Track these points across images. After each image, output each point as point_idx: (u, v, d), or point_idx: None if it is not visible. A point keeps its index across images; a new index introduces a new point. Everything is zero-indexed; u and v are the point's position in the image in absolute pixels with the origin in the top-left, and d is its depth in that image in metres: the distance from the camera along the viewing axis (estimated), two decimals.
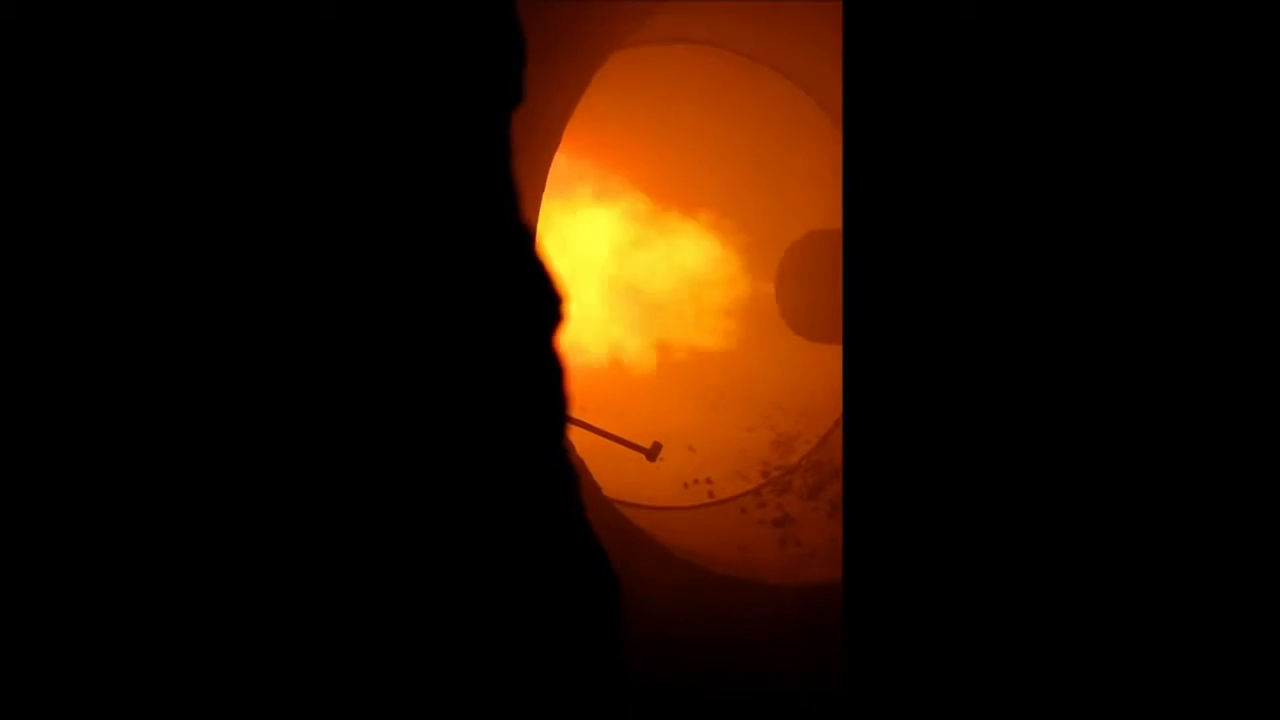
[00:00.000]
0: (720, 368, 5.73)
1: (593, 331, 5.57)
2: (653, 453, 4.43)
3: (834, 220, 5.13)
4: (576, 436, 3.35)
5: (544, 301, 3.13)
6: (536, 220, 3.39)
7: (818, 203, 5.41)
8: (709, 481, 4.99)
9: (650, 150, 5.68)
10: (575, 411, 4.16)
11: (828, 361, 5.14)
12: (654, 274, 5.68)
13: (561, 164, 4.32)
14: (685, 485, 4.92)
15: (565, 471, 2.93)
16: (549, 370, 3.04)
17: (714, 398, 5.76)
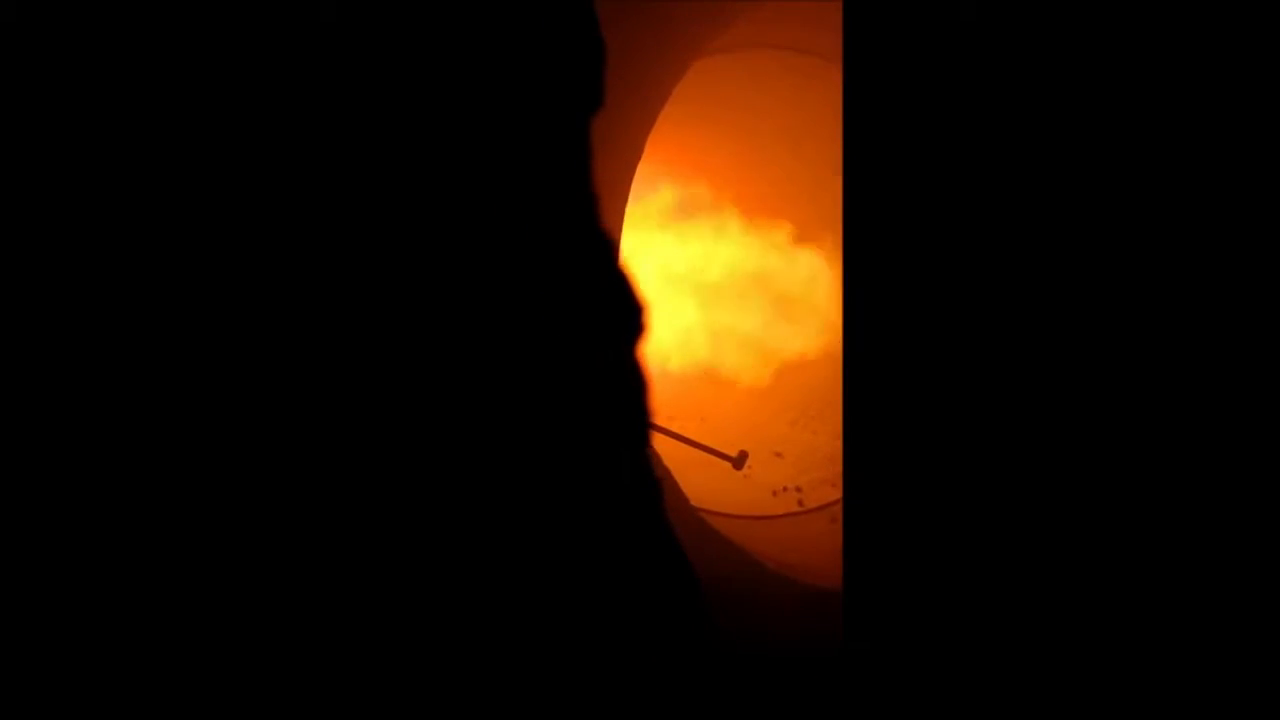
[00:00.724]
0: (808, 376, 5.64)
1: (680, 340, 5.52)
2: (739, 461, 4.36)
3: None
4: (663, 445, 3.31)
5: (626, 311, 3.13)
6: (620, 229, 3.37)
7: None
8: (798, 490, 4.89)
9: (737, 158, 5.62)
10: (662, 420, 4.12)
11: None
12: (741, 283, 5.62)
13: (646, 173, 4.30)
14: (774, 494, 4.83)
15: (650, 480, 2.92)
16: (631, 379, 3.02)
17: (802, 406, 5.67)
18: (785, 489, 4.90)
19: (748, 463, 4.58)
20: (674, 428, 4.14)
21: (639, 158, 3.60)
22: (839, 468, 5.19)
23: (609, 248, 3.01)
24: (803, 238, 5.60)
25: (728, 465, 4.39)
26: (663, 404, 5.12)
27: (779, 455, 5.36)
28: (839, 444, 5.30)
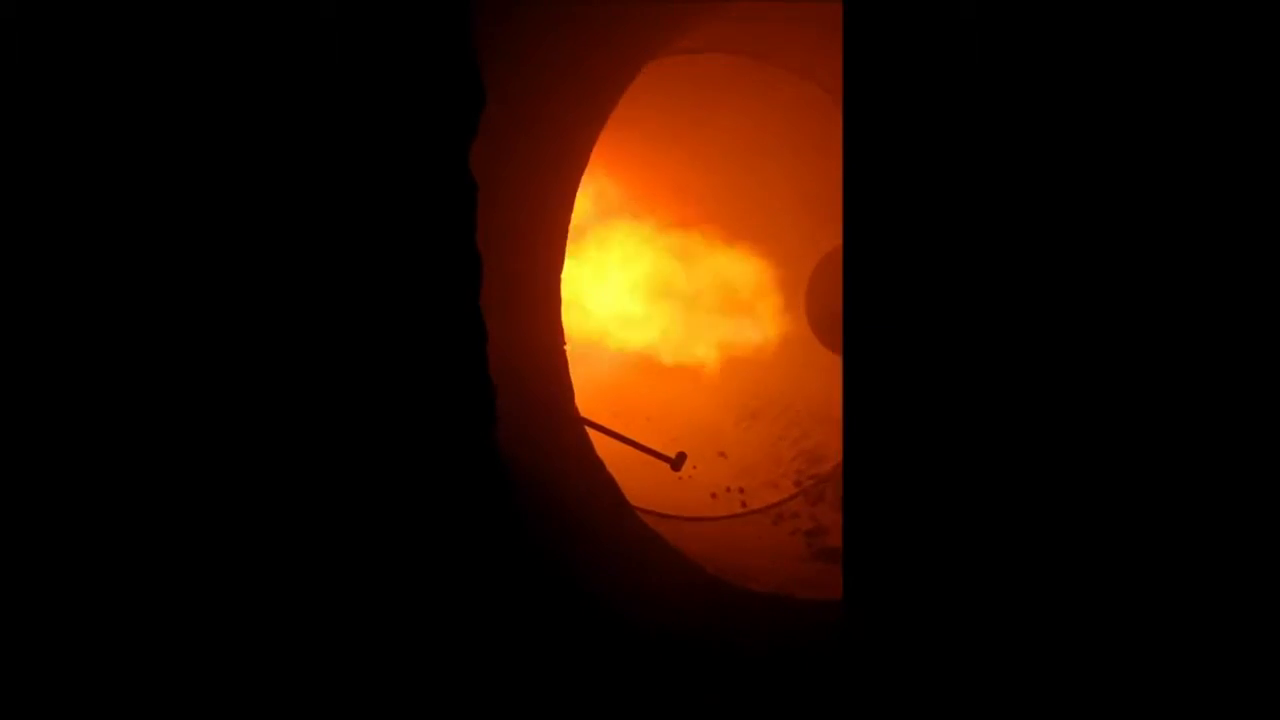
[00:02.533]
0: (753, 378, 5.57)
1: (625, 341, 5.44)
2: (678, 463, 4.26)
3: None
4: (603, 446, 3.20)
5: (552, 306, 3.00)
6: (566, 229, 3.26)
7: None
8: (741, 491, 4.80)
9: (686, 160, 5.53)
10: (604, 420, 4.01)
11: None
12: (687, 284, 5.54)
13: (596, 173, 4.21)
14: (714, 495, 4.74)
15: (589, 480, 2.83)
16: (564, 381, 2.93)
17: (748, 407, 5.61)
18: (728, 490, 4.80)
19: (687, 464, 4.49)
20: (616, 428, 4.03)
21: (589, 154, 3.49)
22: (783, 469, 5.15)
23: (554, 247, 2.94)
24: (749, 241, 5.54)
25: (668, 465, 4.30)
26: (606, 404, 5.02)
27: (723, 456, 5.28)
28: (783, 445, 5.28)
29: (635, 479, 4.00)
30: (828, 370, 5.25)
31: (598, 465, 3.00)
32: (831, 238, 5.11)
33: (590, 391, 4.93)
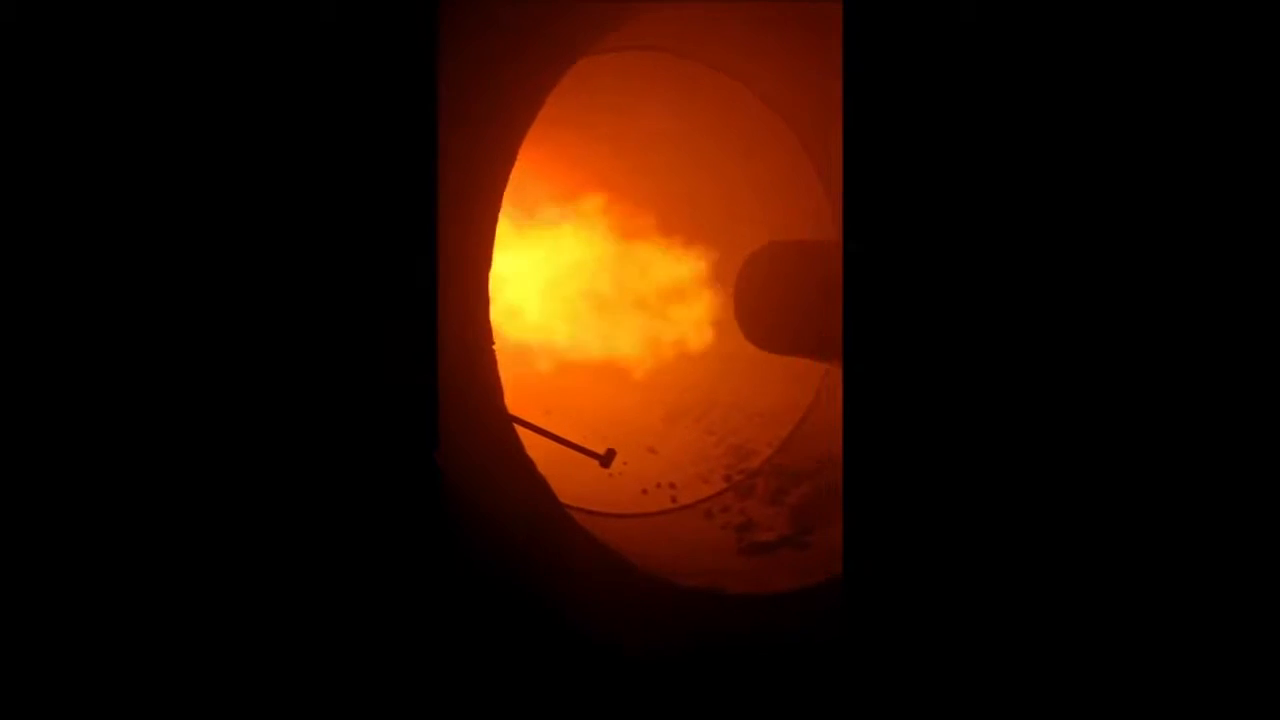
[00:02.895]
0: (681, 375, 5.58)
1: (550, 338, 5.40)
2: (607, 459, 4.24)
3: (792, 231, 5.02)
4: (530, 442, 3.17)
5: (481, 309, 2.97)
6: (494, 227, 3.23)
7: (777, 213, 5.26)
8: (672, 486, 4.80)
9: (612, 158, 5.51)
10: (532, 416, 3.98)
11: (787, 366, 4.99)
12: (614, 280, 5.53)
13: (523, 170, 4.15)
14: (645, 491, 4.74)
15: (520, 480, 2.80)
16: (493, 381, 2.90)
17: (676, 404, 5.61)
18: (658, 485, 4.79)
19: (616, 459, 4.47)
20: (546, 423, 3.99)
21: (516, 152, 3.45)
22: (712, 464, 5.16)
23: (479, 245, 2.90)
24: (676, 238, 5.54)
25: (598, 462, 4.27)
26: (534, 400, 4.97)
27: (652, 451, 5.27)
28: (712, 441, 5.29)
29: (566, 477, 3.97)
30: (756, 366, 5.28)
31: (528, 465, 2.96)
32: (758, 236, 5.14)
33: (519, 390, 4.88)
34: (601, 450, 4.17)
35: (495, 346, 2.95)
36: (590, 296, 5.52)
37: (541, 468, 3.08)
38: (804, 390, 5.08)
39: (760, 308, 4.98)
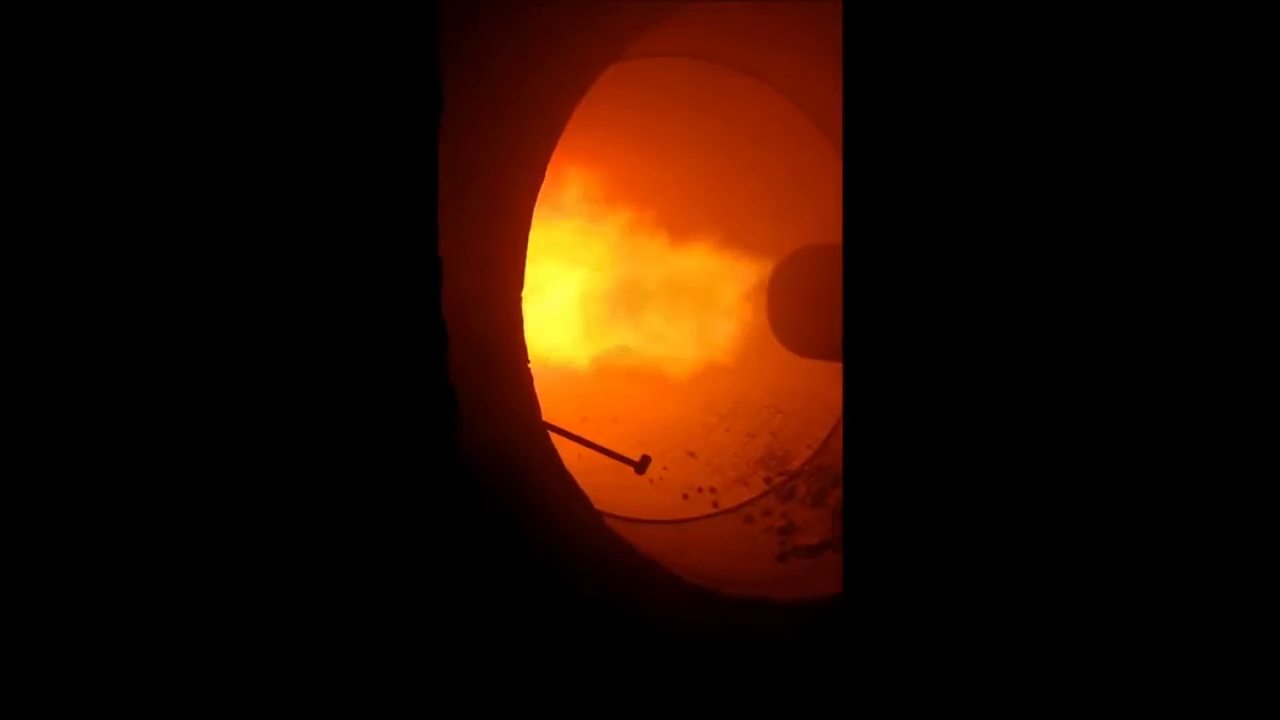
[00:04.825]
0: (718, 377, 5.48)
1: (585, 344, 5.33)
2: (642, 466, 4.15)
3: (825, 234, 4.91)
4: (565, 449, 3.09)
5: (514, 314, 2.91)
6: (528, 232, 3.16)
7: (810, 217, 5.16)
8: (713, 490, 4.70)
9: (646, 162, 5.43)
10: (570, 423, 3.90)
11: (824, 366, 4.88)
12: (649, 285, 5.45)
13: (557, 175, 4.10)
14: (686, 496, 4.64)
15: (554, 488, 2.73)
16: (529, 397, 2.83)
17: (714, 407, 5.52)
18: (699, 490, 4.70)
19: (658, 465, 4.38)
20: (584, 429, 3.92)
21: (549, 158, 3.38)
22: (752, 467, 5.06)
23: (515, 249, 2.83)
24: (710, 242, 5.45)
25: (633, 469, 4.18)
26: (570, 407, 4.90)
27: (692, 455, 5.17)
28: (751, 444, 5.19)
29: (607, 484, 3.90)
30: (792, 367, 5.18)
31: (568, 479, 2.89)
32: (792, 239, 5.04)
33: (555, 396, 4.82)
34: (636, 457, 4.09)
35: (530, 361, 2.88)
36: (623, 302, 5.45)
37: (581, 476, 3.01)
38: (841, 389, 4.96)
39: (793, 311, 4.88)
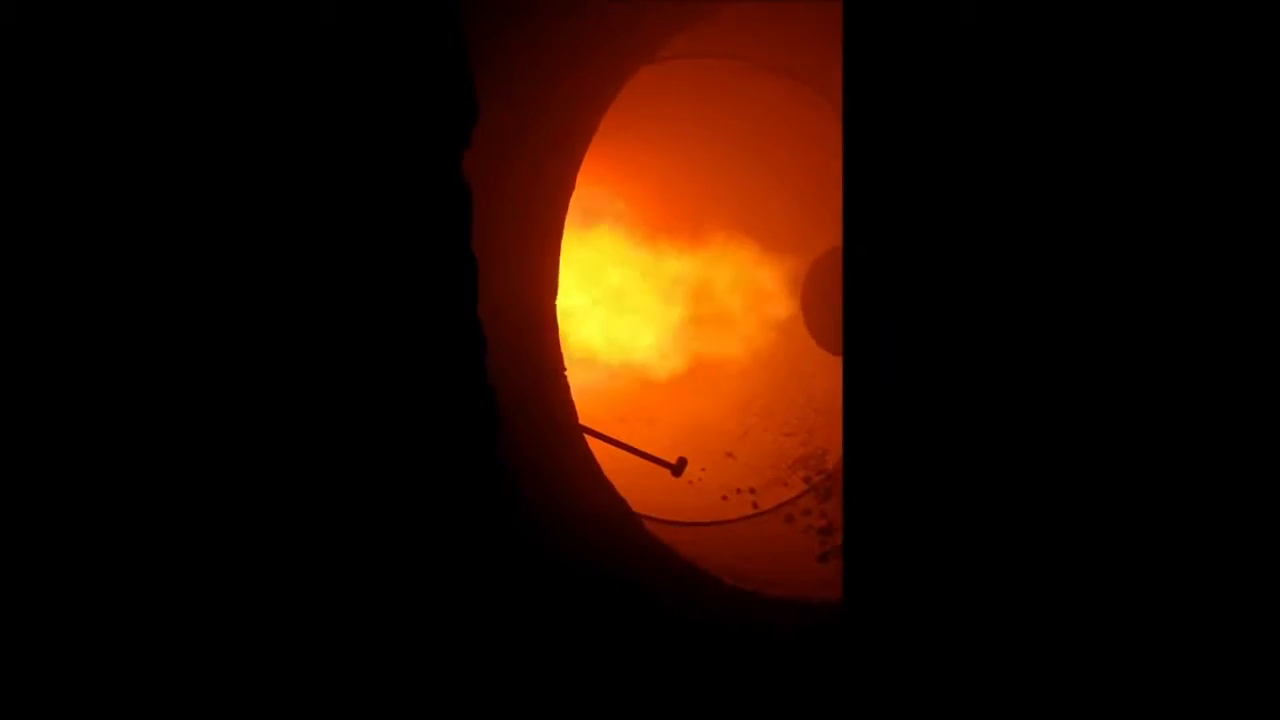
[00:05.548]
0: (755, 377, 5.44)
1: (621, 345, 5.32)
2: (678, 469, 4.11)
3: None
4: (602, 452, 3.06)
5: (554, 318, 2.90)
6: (561, 230, 3.14)
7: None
8: (752, 491, 4.66)
9: (678, 165, 5.41)
10: (607, 425, 3.88)
11: None
12: (681, 286, 5.42)
13: (587, 181, 4.08)
14: (725, 497, 4.59)
15: (589, 489, 2.72)
16: (565, 401, 2.82)
17: (751, 407, 5.47)
18: (738, 491, 4.66)
19: (697, 466, 4.35)
20: (620, 432, 3.90)
21: (581, 160, 3.37)
22: (791, 466, 5.01)
23: (548, 250, 2.82)
24: (744, 243, 5.42)
25: (675, 467, 4.15)
26: (608, 409, 4.89)
27: (730, 456, 5.13)
28: (790, 443, 5.14)
29: (644, 486, 3.87)
30: (827, 367, 5.13)
31: (604, 482, 2.87)
32: (826, 238, 4.99)
33: (591, 399, 4.81)
34: (673, 459, 4.06)
35: (566, 365, 2.87)
36: (659, 302, 5.43)
37: (621, 479, 2.99)
38: None
39: (828, 310, 4.83)
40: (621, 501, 2.88)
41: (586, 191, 4.62)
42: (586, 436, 3.01)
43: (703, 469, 4.72)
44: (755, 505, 4.50)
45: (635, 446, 3.86)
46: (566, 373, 2.81)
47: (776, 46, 4.77)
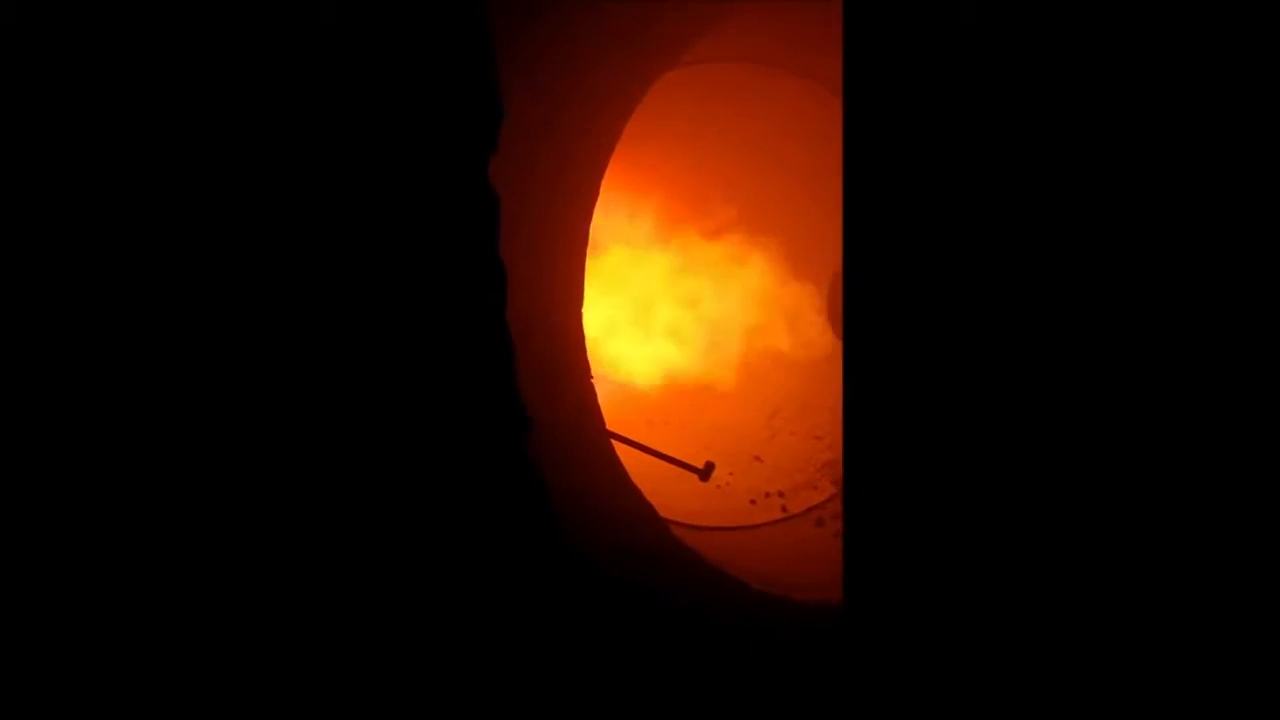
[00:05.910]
0: (780, 379, 5.40)
1: (647, 349, 5.30)
2: (706, 473, 4.07)
3: None
4: (628, 457, 3.04)
5: (580, 323, 2.89)
6: (587, 236, 3.13)
7: None
8: (781, 495, 4.62)
9: (707, 168, 5.40)
10: (632, 430, 3.86)
11: None
12: (710, 289, 5.40)
13: (610, 186, 4.07)
14: (753, 501, 4.56)
15: (616, 494, 2.70)
16: (589, 392, 2.81)
17: (779, 411, 5.44)
18: (766, 495, 4.62)
19: (726, 470, 4.31)
20: (647, 436, 3.87)
21: (607, 164, 3.35)
22: (820, 469, 4.97)
23: (574, 254, 2.82)
24: (769, 247, 5.39)
25: (703, 472, 4.11)
26: (635, 413, 4.86)
27: (758, 459, 5.10)
28: (819, 447, 5.10)
29: (673, 490, 3.85)
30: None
31: (632, 487, 2.85)
32: None
33: (618, 403, 4.79)
34: (700, 464, 4.03)
35: (593, 373, 2.85)
36: (684, 304, 5.41)
37: (647, 483, 2.97)
38: None
39: None
40: (649, 506, 2.86)
41: (607, 198, 4.61)
42: (613, 441, 3.00)
43: (730, 473, 4.69)
44: (784, 509, 4.47)
45: (662, 451, 3.83)
46: (593, 379, 2.79)
47: (792, 48, 4.75)
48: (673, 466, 3.96)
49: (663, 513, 3.06)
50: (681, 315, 5.37)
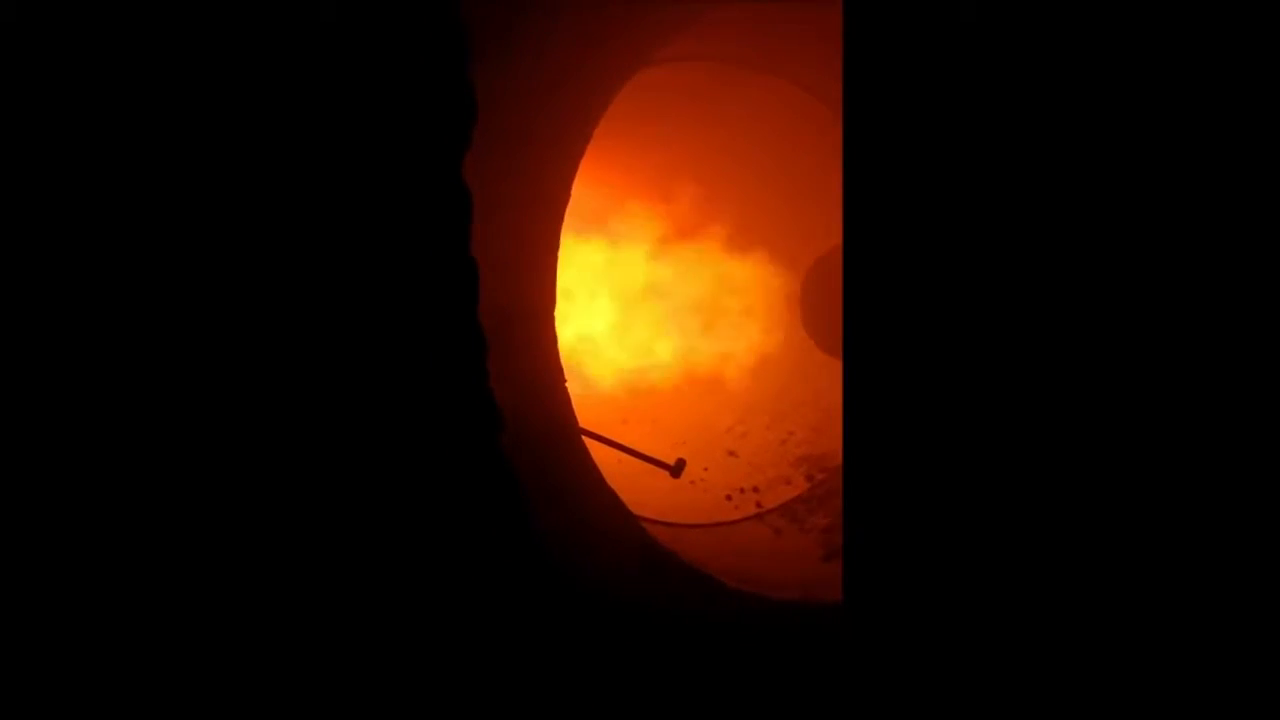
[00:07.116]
0: (755, 377, 5.40)
1: (623, 347, 5.28)
2: (677, 470, 4.05)
3: None
4: (599, 453, 3.02)
5: (552, 320, 2.87)
6: (559, 236, 3.10)
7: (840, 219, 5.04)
8: (755, 490, 4.61)
9: (678, 167, 5.38)
10: (606, 427, 3.83)
11: None
12: (683, 289, 5.39)
13: (584, 183, 4.04)
14: (729, 497, 4.54)
15: (588, 493, 2.68)
16: (560, 389, 2.79)
17: (752, 409, 5.43)
18: (741, 491, 4.60)
19: (700, 466, 4.30)
20: (621, 434, 3.85)
21: (579, 162, 3.32)
22: (794, 465, 4.97)
23: (547, 253, 2.80)
24: (742, 246, 5.38)
25: (674, 469, 4.09)
26: (609, 410, 4.84)
27: (733, 454, 5.09)
28: (791, 444, 5.10)
29: (648, 487, 3.83)
30: (827, 365, 5.10)
31: (604, 486, 2.82)
32: (824, 241, 4.96)
33: (593, 401, 4.76)
34: (672, 461, 4.01)
35: (565, 371, 2.82)
36: (659, 305, 5.39)
37: (622, 480, 2.94)
38: None
39: (826, 312, 4.80)
40: (622, 505, 2.83)
41: (581, 196, 4.58)
42: (585, 439, 2.97)
43: (705, 469, 4.68)
44: (759, 505, 4.46)
45: (634, 448, 3.81)
46: (565, 377, 2.76)
47: (768, 50, 4.73)
48: (647, 464, 3.93)
49: (638, 510, 3.04)
50: (653, 311, 5.35)
